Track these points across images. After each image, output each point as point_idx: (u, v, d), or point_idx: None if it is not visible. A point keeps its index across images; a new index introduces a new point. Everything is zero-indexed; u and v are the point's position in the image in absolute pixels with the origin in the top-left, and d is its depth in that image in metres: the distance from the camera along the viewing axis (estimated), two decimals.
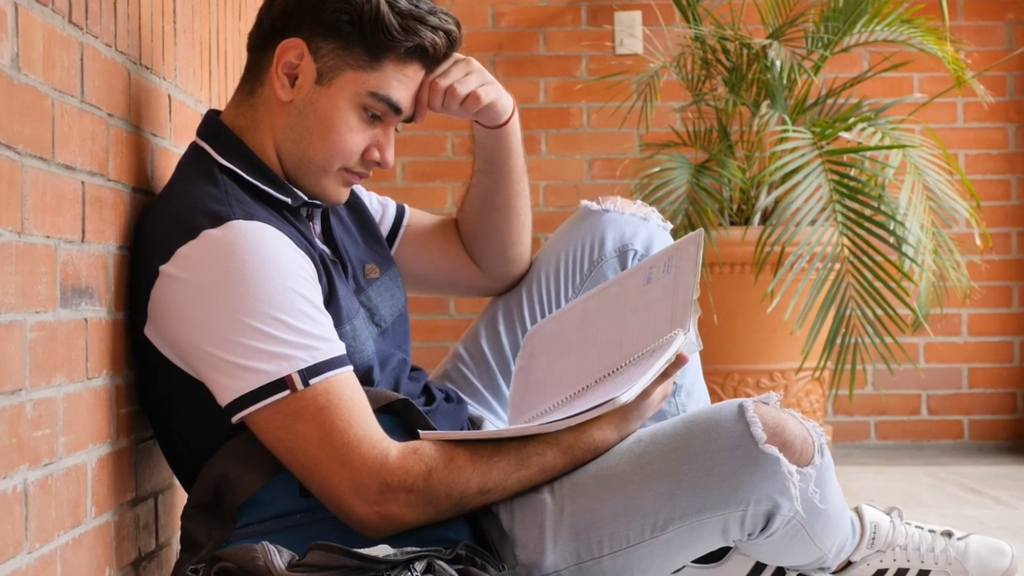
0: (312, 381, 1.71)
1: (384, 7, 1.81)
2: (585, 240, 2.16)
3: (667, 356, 1.74)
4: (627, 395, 1.69)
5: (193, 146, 1.89)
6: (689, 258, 1.85)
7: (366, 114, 1.86)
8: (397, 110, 1.87)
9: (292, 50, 1.83)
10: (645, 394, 1.78)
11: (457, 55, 1.94)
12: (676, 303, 1.82)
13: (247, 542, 1.70)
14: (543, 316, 2.15)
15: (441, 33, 1.87)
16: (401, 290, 2.06)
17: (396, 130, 1.91)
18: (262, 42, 1.87)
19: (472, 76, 1.95)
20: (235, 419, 1.73)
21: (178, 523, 2.04)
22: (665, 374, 1.78)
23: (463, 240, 2.19)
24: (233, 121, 1.89)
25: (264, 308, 1.70)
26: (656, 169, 3.91)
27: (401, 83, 1.86)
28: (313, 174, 1.87)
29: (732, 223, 3.98)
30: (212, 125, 1.89)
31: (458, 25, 1.90)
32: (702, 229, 1.94)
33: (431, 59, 1.89)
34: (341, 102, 1.84)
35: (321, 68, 1.83)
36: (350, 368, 1.76)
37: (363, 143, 1.87)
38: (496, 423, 2.11)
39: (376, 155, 1.89)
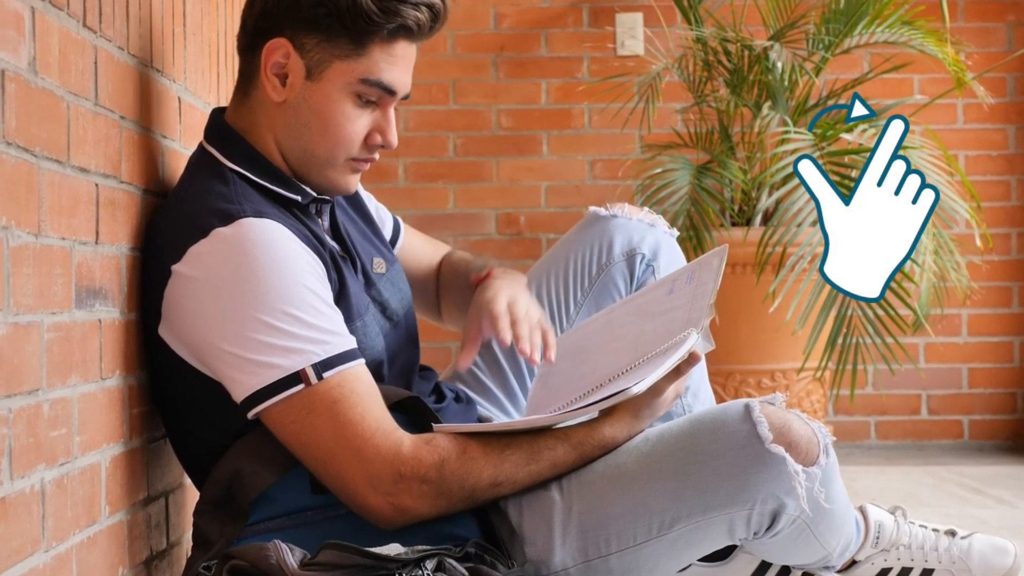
0: (325, 375, 1.72)
1: None
2: (593, 244, 2.18)
3: (681, 352, 1.75)
4: (639, 386, 1.71)
5: (201, 148, 1.91)
6: (711, 269, 1.86)
7: (361, 101, 1.85)
8: (391, 92, 1.86)
9: (278, 50, 1.83)
10: (657, 391, 1.80)
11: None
12: (693, 307, 1.83)
13: (258, 539, 1.72)
14: (552, 317, 2.16)
15: (423, 8, 1.84)
16: (406, 284, 2.07)
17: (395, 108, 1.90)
18: (248, 43, 1.88)
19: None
20: (250, 414, 1.74)
21: (188, 522, 2.06)
22: (678, 372, 1.80)
23: (436, 291, 2.21)
24: (235, 123, 1.89)
25: (276, 304, 1.72)
26: (658, 170, 3.93)
27: (390, 64, 1.84)
28: (319, 168, 1.88)
29: (733, 224, 4.00)
30: (217, 127, 1.90)
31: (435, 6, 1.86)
32: (727, 245, 1.96)
33: (417, 35, 1.86)
34: (334, 94, 1.84)
35: (309, 64, 1.83)
36: (362, 361, 1.77)
37: (363, 130, 1.87)
38: None
39: (379, 139, 1.88)
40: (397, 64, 1.85)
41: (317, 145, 1.86)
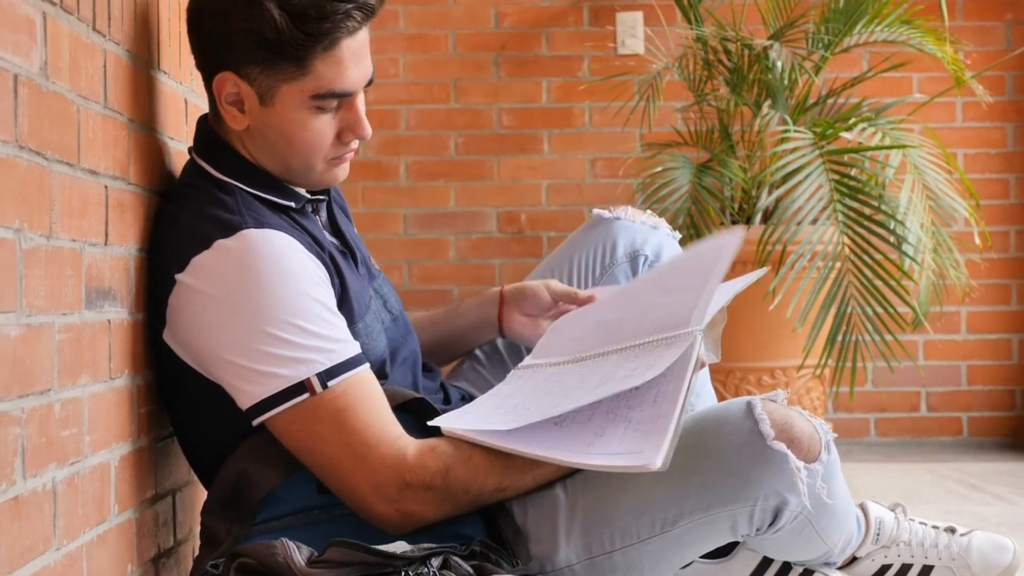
0: (330, 383, 1.74)
1: (281, 22, 1.76)
2: (597, 245, 2.19)
3: (688, 374, 1.73)
4: (659, 459, 1.62)
5: (192, 159, 1.91)
6: (728, 252, 1.84)
7: (321, 110, 1.83)
8: (346, 95, 1.84)
9: (227, 83, 1.83)
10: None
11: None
12: (702, 298, 1.82)
13: (265, 538, 1.73)
14: None
15: (353, 12, 1.79)
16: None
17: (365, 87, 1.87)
18: (203, 73, 1.88)
19: None
20: (255, 422, 1.76)
21: (195, 520, 2.08)
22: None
23: None
24: (220, 132, 1.90)
25: (280, 314, 1.73)
26: (658, 169, 3.94)
27: (338, 71, 1.81)
28: (301, 175, 1.89)
29: (734, 222, 4.01)
30: (205, 138, 1.90)
31: None
32: (743, 229, 1.93)
33: (357, 30, 1.82)
34: (290, 114, 1.83)
35: (258, 90, 1.82)
36: (367, 366, 1.79)
37: (332, 133, 1.86)
38: None
39: (350, 136, 1.87)
40: (346, 67, 1.82)
41: (290, 159, 1.86)
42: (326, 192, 1.96)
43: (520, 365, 1.95)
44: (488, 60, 4.62)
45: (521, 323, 2.11)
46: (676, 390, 1.72)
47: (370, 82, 1.87)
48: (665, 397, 1.73)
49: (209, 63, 1.85)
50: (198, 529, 2.05)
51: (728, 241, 1.87)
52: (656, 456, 1.64)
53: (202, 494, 2.08)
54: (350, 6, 1.78)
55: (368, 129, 1.87)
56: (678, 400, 1.70)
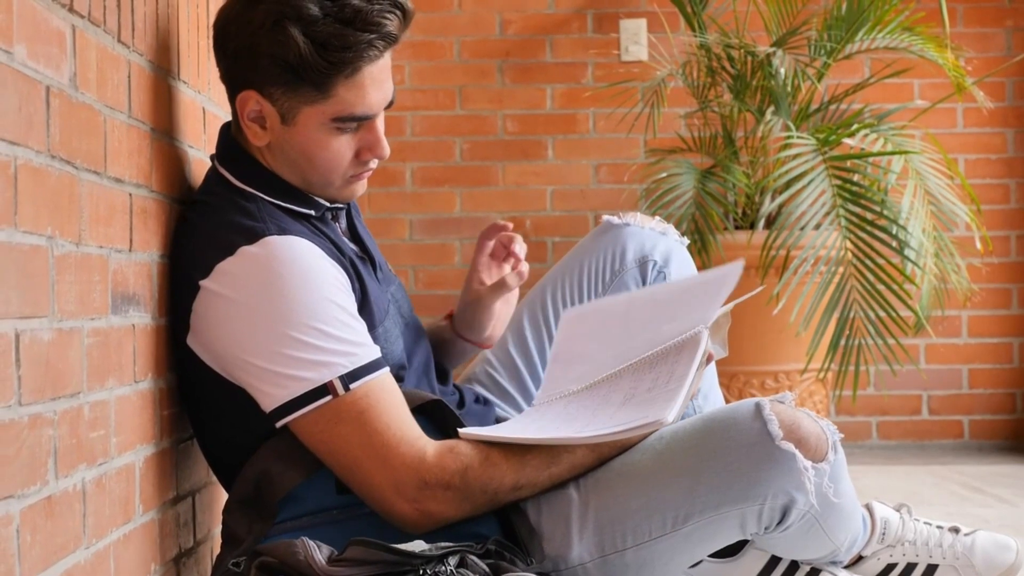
0: (352, 386, 1.78)
1: (305, 49, 1.79)
2: (607, 251, 2.22)
3: (697, 359, 1.81)
4: (671, 415, 1.73)
5: (214, 166, 1.95)
6: (732, 279, 1.90)
7: (341, 132, 1.87)
8: (367, 118, 1.87)
9: (249, 100, 1.86)
10: None
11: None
12: (708, 310, 1.89)
13: (286, 537, 1.77)
14: None
15: (376, 41, 1.83)
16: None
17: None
18: (227, 88, 1.91)
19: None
20: (279, 425, 1.80)
21: (213, 521, 2.12)
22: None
23: None
24: (242, 142, 1.93)
25: (304, 319, 1.77)
26: (662, 175, 3.98)
27: (358, 95, 1.84)
28: (319, 190, 1.93)
29: (737, 227, 4.05)
30: (226, 147, 1.94)
31: (397, 5, 1.83)
32: (743, 260, 1.99)
33: (380, 56, 1.85)
34: (311, 134, 1.86)
35: (280, 110, 1.85)
36: (387, 370, 1.83)
37: (351, 152, 1.89)
38: None
39: (369, 155, 1.91)
40: (367, 92, 1.85)
41: (310, 175, 1.90)
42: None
43: (535, 401, 2.00)
44: (493, 67, 4.66)
45: (499, 313, 2.15)
46: (685, 372, 1.80)
47: (390, 104, 1.91)
48: (674, 377, 1.81)
49: (233, 80, 1.88)
50: (217, 530, 2.09)
51: (730, 269, 1.92)
52: (667, 412, 1.72)
53: (220, 495, 2.12)
54: (372, 36, 1.82)
55: (387, 150, 1.91)
56: (687, 376, 1.78)
